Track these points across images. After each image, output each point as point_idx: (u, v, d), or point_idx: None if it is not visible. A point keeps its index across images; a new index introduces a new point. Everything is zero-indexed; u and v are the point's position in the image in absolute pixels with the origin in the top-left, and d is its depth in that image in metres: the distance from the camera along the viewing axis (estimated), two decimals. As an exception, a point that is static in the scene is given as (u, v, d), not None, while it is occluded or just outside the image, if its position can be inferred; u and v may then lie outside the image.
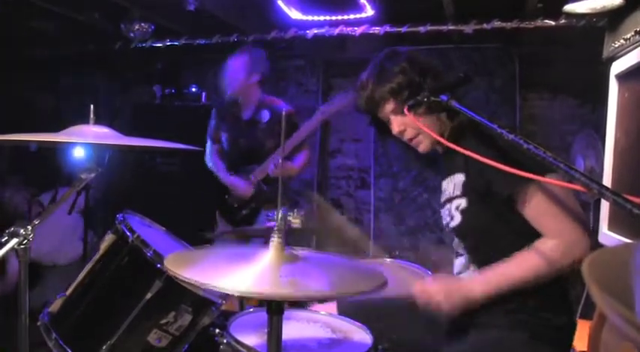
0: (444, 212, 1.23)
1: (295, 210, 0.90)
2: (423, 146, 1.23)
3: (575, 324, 1.16)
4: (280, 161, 0.95)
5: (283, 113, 0.95)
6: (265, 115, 2.45)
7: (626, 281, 0.48)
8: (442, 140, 1.03)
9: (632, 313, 0.40)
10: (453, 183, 1.19)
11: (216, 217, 2.57)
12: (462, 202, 1.16)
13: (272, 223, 1.52)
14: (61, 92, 3.42)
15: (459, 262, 1.23)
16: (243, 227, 2.45)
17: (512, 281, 1.07)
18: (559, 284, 1.08)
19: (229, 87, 2.40)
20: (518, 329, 1.10)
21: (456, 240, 1.22)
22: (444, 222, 1.24)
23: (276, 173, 2.35)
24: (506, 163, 0.88)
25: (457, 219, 1.17)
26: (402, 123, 1.21)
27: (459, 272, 1.23)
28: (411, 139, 1.23)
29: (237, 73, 2.36)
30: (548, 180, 0.95)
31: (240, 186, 2.43)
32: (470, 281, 1.12)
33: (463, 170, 1.15)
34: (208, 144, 2.54)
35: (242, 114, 2.45)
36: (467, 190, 1.15)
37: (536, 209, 1.06)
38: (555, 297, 1.10)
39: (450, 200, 1.20)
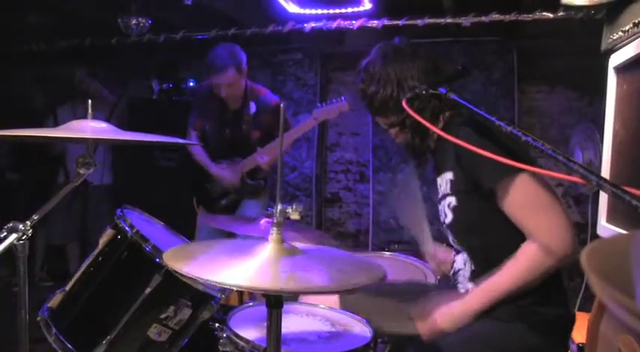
0: (440, 209, 1.23)
1: (294, 204, 0.89)
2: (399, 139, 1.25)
3: (573, 316, 1.16)
4: (280, 153, 0.90)
5: (281, 106, 0.94)
6: (252, 107, 2.42)
7: (625, 271, 0.48)
8: (441, 133, 1.03)
9: (632, 301, 0.40)
10: (445, 181, 1.19)
11: (194, 205, 2.56)
12: (452, 200, 1.16)
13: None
14: (57, 87, 3.39)
15: (459, 259, 1.23)
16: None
17: (506, 291, 1.07)
18: (552, 278, 1.08)
19: (215, 87, 2.35)
20: (514, 321, 1.11)
21: (452, 236, 1.22)
22: (441, 219, 1.24)
23: (267, 162, 2.36)
24: (496, 154, 0.87)
25: (449, 216, 1.18)
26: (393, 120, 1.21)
27: (459, 269, 1.23)
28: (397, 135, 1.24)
29: (224, 78, 2.30)
30: (541, 170, 0.94)
31: (227, 176, 2.42)
32: (465, 301, 1.12)
33: (452, 168, 1.15)
34: (190, 132, 2.50)
35: (228, 105, 2.42)
36: (455, 188, 1.15)
37: (516, 205, 1.05)
38: (549, 291, 1.11)
39: (443, 197, 1.20)
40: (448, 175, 1.17)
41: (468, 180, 1.11)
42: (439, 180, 1.24)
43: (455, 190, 1.15)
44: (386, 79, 1.19)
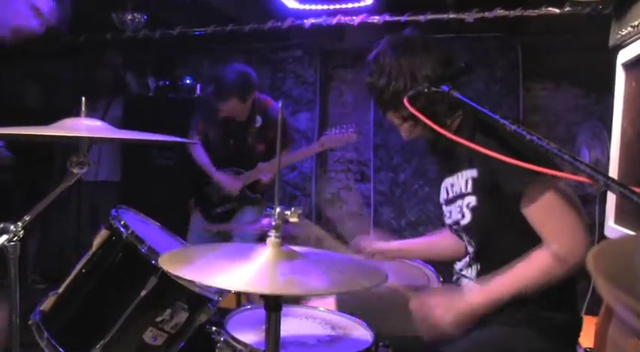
0: (454, 209, 1.19)
1: (293, 207, 0.87)
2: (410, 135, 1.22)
3: (581, 321, 1.14)
4: (278, 154, 0.89)
5: (280, 105, 0.92)
6: (258, 121, 2.43)
7: (632, 273, 0.47)
8: (450, 135, 0.99)
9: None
10: (465, 179, 1.15)
11: (190, 207, 2.56)
12: (472, 200, 1.13)
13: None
14: (51, 84, 3.36)
15: (464, 260, 1.21)
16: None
17: (511, 293, 1.05)
18: (561, 282, 1.05)
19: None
20: (521, 325, 1.09)
21: (465, 237, 1.19)
22: (452, 220, 1.20)
23: (269, 178, 2.39)
24: (516, 159, 0.86)
25: (468, 217, 1.14)
26: (401, 116, 1.18)
27: (462, 270, 1.21)
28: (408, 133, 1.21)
29: (224, 106, 2.32)
30: (559, 173, 0.92)
31: (228, 182, 2.42)
32: (468, 294, 1.10)
33: (472, 166, 1.12)
34: (193, 136, 2.49)
35: (235, 117, 2.42)
36: (477, 188, 1.11)
37: (538, 210, 1.03)
38: (556, 296, 1.08)
39: (461, 196, 1.16)
40: (470, 173, 1.13)
41: (489, 181, 1.08)
42: (452, 179, 1.20)
43: (476, 189, 1.12)
44: (398, 71, 1.14)
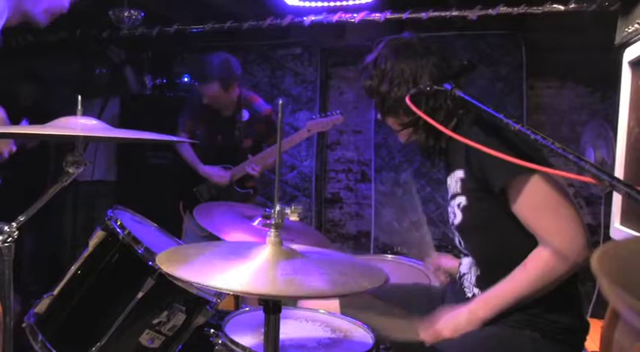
0: (450, 209, 1.18)
1: (293, 205, 0.85)
2: (409, 139, 1.21)
3: (587, 325, 1.12)
4: (278, 154, 0.85)
5: (280, 103, 0.90)
6: (245, 114, 2.45)
7: (638, 275, 0.46)
8: (447, 131, 0.98)
9: None
10: (455, 180, 1.14)
11: (180, 210, 2.55)
12: (463, 200, 1.11)
13: None
14: (46, 82, 3.33)
15: (465, 263, 1.19)
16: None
17: (514, 299, 1.03)
18: (565, 283, 1.04)
19: (206, 98, 2.38)
20: (525, 328, 1.07)
21: (458, 238, 1.18)
22: (450, 220, 1.19)
23: (258, 171, 2.38)
24: (507, 155, 0.84)
25: (459, 217, 1.13)
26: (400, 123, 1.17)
27: (464, 273, 1.19)
28: (407, 137, 1.20)
29: (206, 90, 2.33)
30: (551, 170, 0.90)
31: (217, 173, 2.43)
32: (471, 308, 1.09)
33: (463, 166, 1.11)
34: (180, 134, 2.51)
35: (221, 111, 2.44)
36: (466, 187, 1.10)
37: (528, 205, 1.01)
38: (558, 298, 1.06)
39: (453, 197, 1.15)
40: (459, 173, 1.12)
41: (479, 180, 1.07)
42: (449, 179, 1.19)
43: (465, 189, 1.11)
44: (400, 77, 1.13)
